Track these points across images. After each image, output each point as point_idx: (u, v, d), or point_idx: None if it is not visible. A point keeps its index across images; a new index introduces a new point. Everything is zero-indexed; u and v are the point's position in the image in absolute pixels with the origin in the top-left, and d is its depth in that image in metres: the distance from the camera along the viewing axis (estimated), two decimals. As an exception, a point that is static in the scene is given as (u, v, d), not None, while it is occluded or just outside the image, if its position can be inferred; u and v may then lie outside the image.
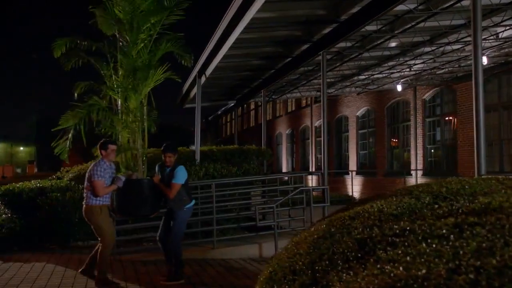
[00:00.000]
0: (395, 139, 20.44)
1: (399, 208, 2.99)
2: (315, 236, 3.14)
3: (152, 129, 7.26)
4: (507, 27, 9.69)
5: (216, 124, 52.80)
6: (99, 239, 6.31)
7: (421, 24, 8.65)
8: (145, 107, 6.84)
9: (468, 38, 10.20)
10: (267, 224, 8.64)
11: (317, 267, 2.71)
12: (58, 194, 9.57)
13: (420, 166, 18.14)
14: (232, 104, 17.56)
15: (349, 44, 9.90)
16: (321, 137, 27.62)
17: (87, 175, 6.30)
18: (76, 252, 8.84)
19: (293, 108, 31.93)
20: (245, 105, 41.04)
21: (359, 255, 2.57)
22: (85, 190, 6.33)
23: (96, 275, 6.34)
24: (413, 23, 8.53)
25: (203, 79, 11.44)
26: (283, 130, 33.59)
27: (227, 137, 46.07)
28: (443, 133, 17.60)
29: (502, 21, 8.99)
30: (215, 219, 8.51)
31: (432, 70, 14.03)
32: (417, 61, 12.42)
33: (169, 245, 6.47)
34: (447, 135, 17.35)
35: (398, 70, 13.82)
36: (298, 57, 10.18)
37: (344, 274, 2.49)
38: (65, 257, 8.41)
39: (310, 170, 27.07)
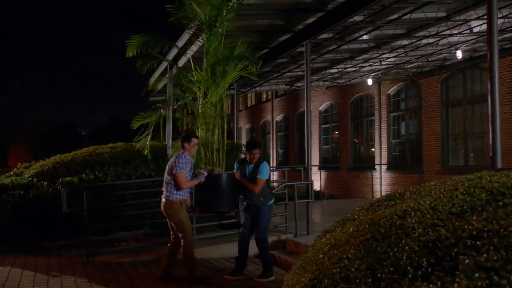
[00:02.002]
0: (359, 134, 20.50)
1: (456, 206, 2.70)
2: (361, 237, 2.82)
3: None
4: (484, 21, 9.69)
5: (173, 117, 51.94)
6: (180, 234, 6.13)
7: (407, 16, 8.52)
8: (224, 101, 6.93)
9: (447, 32, 10.19)
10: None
11: (379, 275, 2.39)
12: (21, 192, 8.88)
13: (384, 160, 18.24)
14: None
15: (329, 35, 9.65)
16: (281, 132, 27.80)
17: (167, 168, 6.19)
18: (43, 254, 8.21)
19: (253, 103, 31.69)
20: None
21: (432, 260, 2.27)
22: (164, 184, 6.19)
23: (187, 274, 6.19)
24: (400, 14, 8.39)
25: (174, 70, 10.95)
26: (243, 124, 33.29)
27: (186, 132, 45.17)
28: (407, 128, 17.75)
29: (484, 14, 8.97)
30: (194, 216, 8.07)
31: (403, 65, 14.03)
32: (391, 55, 12.35)
33: (257, 242, 6.49)
34: (412, 129, 17.51)
35: (369, 64, 13.74)
36: (277, 48, 9.87)
37: (419, 283, 2.19)
38: (32, 260, 7.80)
39: (271, 165, 26.92)
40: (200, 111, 6.67)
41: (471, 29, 10.59)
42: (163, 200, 6.21)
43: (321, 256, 2.98)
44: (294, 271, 3.26)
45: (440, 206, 2.76)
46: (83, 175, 9.12)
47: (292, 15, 8.27)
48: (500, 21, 10.03)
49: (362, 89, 19.40)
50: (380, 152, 18.58)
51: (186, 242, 6.13)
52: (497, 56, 4.75)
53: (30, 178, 9.73)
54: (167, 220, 6.38)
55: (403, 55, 12.56)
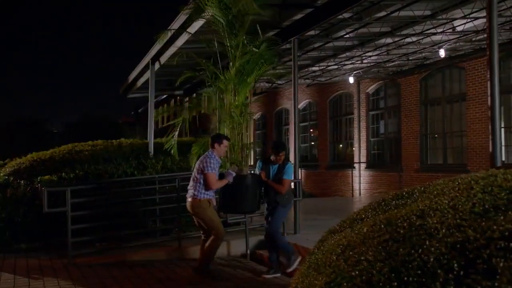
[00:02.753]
0: (338, 132, 20.54)
1: (477, 205, 2.61)
2: (378, 238, 2.70)
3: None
4: (468, 20, 9.76)
5: (146, 116, 51.28)
6: (212, 232, 6.16)
7: (396, 13, 8.50)
8: (249, 101, 7.02)
9: (431, 30, 10.21)
10: (238, 220, 8.14)
11: (405, 278, 2.28)
12: (-3, 191, 8.53)
13: (363, 159, 18.31)
14: (181, 93, 16.76)
15: (316, 32, 9.55)
16: (259, 130, 27.67)
17: (196, 167, 6.13)
18: (21, 256, 7.89)
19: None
20: (178, 97, 40.08)
21: (462, 263, 2.17)
22: (192, 183, 6.13)
23: (199, 262, 6.23)
24: (388, 11, 8.35)
25: (156, 66, 10.72)
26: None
27: (159, 130, 44.78)
28: (386, 126, 17.84)
29: (470, 13, 9.03)
30: (179, 216, 7.88)
31: (385, 63, 14.07)
32: (374, 53, 12.36)
33: (267, 235, 6.52)
34: (391, 128, 17.60)
35: (351, 62, 13.73)
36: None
37: (452, 287, 2.09)
38: (10, 263, 7.46)
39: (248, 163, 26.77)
40: (227, 111, 6.66)
41: (454, 28, 10.65)
42: (189, 199, 6.17)
43: (334, 257, 2.85)
44: (302, 274, 3.13)
45: (460, 206, 2.67)
46: (63, 173, 8.82)
47: (280, 10, 8.14)
48: (482, 20, 10.14)
49: (341, 88, 19.44)
50: (359, 150, 18.65)
51: (217, 238, 6.16)
52: (497, 53, 4.70)
53: (6, 177, 9.37)
54: (194, 219, 6.38)
55: (385, 53, 12.58)
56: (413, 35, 10.20)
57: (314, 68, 14.83)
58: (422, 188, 3.45)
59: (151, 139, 10.57)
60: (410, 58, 14.04)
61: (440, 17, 9.18)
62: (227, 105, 6.69)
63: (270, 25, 8.61)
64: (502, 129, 13.77)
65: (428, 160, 15.83)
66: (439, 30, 10.49)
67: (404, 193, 3.57)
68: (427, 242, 2.39)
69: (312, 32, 9.31)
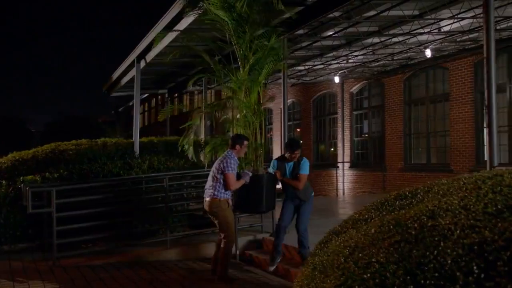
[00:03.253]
0: (322, 132, 20.54)
1: (489, 205, 2.57)
2: (389, 240, 2.64)
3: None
4: (455, 20, 9.82)
5: (127, 115, 50.73)
6: (223, 235, 6.14)
7: (385, 13, 8.49)
8: (261, 100, 7.04)
9: (419, 30, 10.24)
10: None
11: (422, 281, 2.22)
12: (-21, 192, 8.28)
13: (347, 158, 18.34)
14: (165, 92, 16.52)
15: (304, 31, 9.49)
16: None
17: (216, 166, 6.09)
18: (3, 258, 7.66)
19: (213, 100, 31.30)
20: (159, 97, 39.72)
21: (482, 265, 2.12)
22: (211, 182, 6.12)
23: (218, 270, 6.13)
24: (377, 11, 8.33)
25: (142, 63, 10.53)
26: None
27: (140, 129, 44.38)
28: (370, 126, 17.90)
29: (458, 13, 9.07)
30: (168, 215, 7.75)
31: (370, 63, 14.10)
32: (360, 53, 12.36)
33: (300, 233, 6.47)
34: (375, 127, 17.66)
35: (337, 62, 13.71)
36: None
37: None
38: (-8, 265, 7.23)
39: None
40: (241, 110, 6.66)
41: (440, 28, 10.70)
42: (208, 198, 6.13)
43: (342, 259, 2.78)
44: (306, 276, 3.06)
45: (471, 206, 2.62)
46: (47, 173, 8.60)
47: (269, 8, 8.05)
48: (468, 21, 10.20)
49: (325, 87, 19.44)
50: (343, 150, 18.67)
51: (228, 241, 6.13)
52: (494, 51, 4.68)
53: (-14, 177, 9.11)
54: (211, 218, 6.31)
55: (371, 53, 12.59)
56: (401, 34, 10.22)
57: (299, 68, 14.79)
58: (426, 188, 3.41)
59: (136, 138, 10.38)
60: (395, 58, 14.09)
61: (428, 17, 9.20)
62: (240, 105, 6.69)
63: (258, 23, 8.50)
64: (485, 129, 13.96)
65: (412, 160, 15.91)
66: (426, 30, 10.53)
67: (407, 193, 3.52)
68: (442, 244, 2.34)
69: (301, 31, 9.25)
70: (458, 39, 12.10)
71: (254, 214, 7.16)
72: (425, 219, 2.63)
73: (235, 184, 6.07)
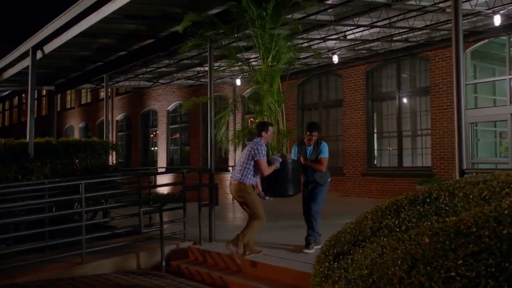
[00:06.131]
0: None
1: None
2: (464, 249, 2.40)
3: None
4: (364, 29, 10.18)
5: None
6: (254, 215, 6.35)
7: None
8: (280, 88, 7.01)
9: (334, 36, 10.41)
10: (151, 230, 7.37)
11: None
12: None
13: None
14: (52, 89, 14.89)
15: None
16: (122, 132, 26.24)
17: (247, 153, 6.34)
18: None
19: (89, 100, 29.41)
20: (23, 95, 36.51)
21: None
22: (239, 168, 6.37)
23: (237, 236, 6.27)
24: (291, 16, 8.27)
25: (39, 55, 9.30)
26: (75, 123, 30.73)
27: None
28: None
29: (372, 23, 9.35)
30: (84, 226, 6.87)
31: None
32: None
33: (312, 214, 6.65)
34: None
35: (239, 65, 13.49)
36: (165, 39, 9.01)
37: None
38: None
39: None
40: (265, 98, 6.78)
41: (345, 36, 11.04)
42: (235, 182, 6.36)
43: (403, 274, 2.50)
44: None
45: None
46: None
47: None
48: (370, 31, 10.64)
49: (216, 90, 19.19)
50: (235, 153, 18.56)
51: (258, 220, 6.33)
52: (462, 46, 4.76)
53: None
54: (238, 202, 6.56)
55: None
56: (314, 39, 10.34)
57: (199, 68, 14.40)
58: (446, 193, 3.25)
59: (31, 138, 9.11)
60: (292, 64, 14.28)
61: (342, 23, 9.38)
62: (265, 95, 6.80)
63: (175, 18, 8.01)
64: (375, 134, 14.79)
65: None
66: (333, 37, 10.81)
67: (420, 197, 3.37)
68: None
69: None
70: (356, 48, 12.64)
71: (283, 197, 7.17)
72: (494, 226, 2.45)
73: (268, 170, 6.30)
